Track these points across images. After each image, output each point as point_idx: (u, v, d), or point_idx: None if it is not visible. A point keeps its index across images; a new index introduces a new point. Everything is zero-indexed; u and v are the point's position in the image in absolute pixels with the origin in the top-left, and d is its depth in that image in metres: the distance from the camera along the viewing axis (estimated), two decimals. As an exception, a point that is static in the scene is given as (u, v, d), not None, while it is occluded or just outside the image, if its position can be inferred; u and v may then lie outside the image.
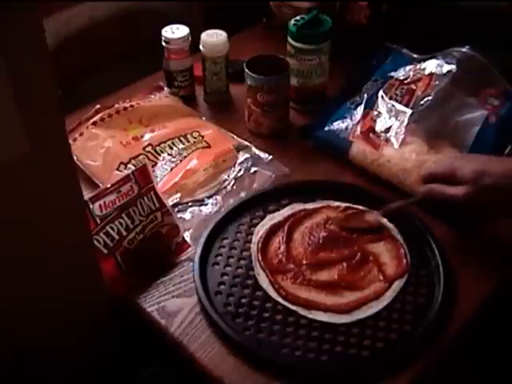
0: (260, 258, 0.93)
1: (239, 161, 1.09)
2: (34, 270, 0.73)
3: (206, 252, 0.94)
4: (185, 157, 1.08)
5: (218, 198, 1.04)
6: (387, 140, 1.06)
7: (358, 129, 1.09)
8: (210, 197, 1.04)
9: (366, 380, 0.81)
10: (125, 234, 0.91)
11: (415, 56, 1.17)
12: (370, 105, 1.12)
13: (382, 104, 1.10)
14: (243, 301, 0.88)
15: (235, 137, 1.15)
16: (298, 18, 1.17)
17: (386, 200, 1.01)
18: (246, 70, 1.12)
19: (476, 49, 1.09)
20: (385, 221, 0.98)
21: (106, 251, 0.89)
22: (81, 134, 1.10)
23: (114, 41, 1.34)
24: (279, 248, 0.94)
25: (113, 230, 0.90)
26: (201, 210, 1.02)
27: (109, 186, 0.91)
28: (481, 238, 0.97)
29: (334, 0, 1.28)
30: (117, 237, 0.90)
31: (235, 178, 1.07)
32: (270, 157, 1.10)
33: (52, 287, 0.77)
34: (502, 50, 1.09)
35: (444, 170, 0.94)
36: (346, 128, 1.10)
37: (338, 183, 1.05)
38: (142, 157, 1.07)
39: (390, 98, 1.10)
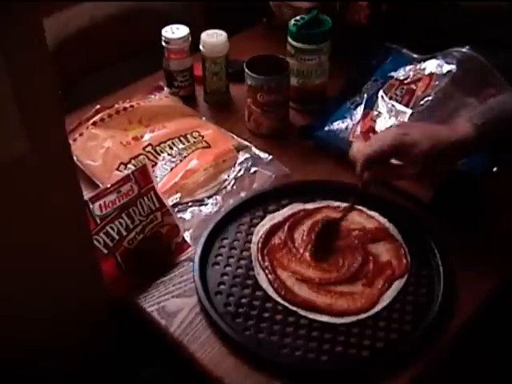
0: (260, 258, 0.93)
1: (239, 161, 1.09)
2: (33, 270, 0.73)
3: (206, 252, 0.94)
4: (185, 157, 1.08)
5: (218, 198, 1.04)
6: (387, 140, 1.05)
7: (358, 129, 1.09)
8: (210, 197, 1.04)
9: (366, 380, 0.81)
10: (125, 233, 0.91)
11: (415, 56, 1.17)
12: (370, 105, 1.12)
13: (382, 104, 1.10)
14: (243, 301, 0.88)
15: (235, 137, 1.15)
16: (298, 17, 1.17)
17: (386, 200, 1.01)
18: (246, 70, 1.12)
19: (476, 49, 1.09)
20: (385, 221, 0.98)
21: (106, 251, 0.89)
22: (81, 134, 1.10)
23: (115, 41, 1.34)
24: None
25: (113, 229, 0.90)
26: (201, 210, 1.02)
27: (109, 185, 0.91)
28: (481, 239, 0.97)
29: (334, 0, 1.28)
30: (117, 237, 0.90)
31: (235, 178, 1.07)
32: (270, 157, 1.10)
33: (52, 287, 0.77)
34: (502, 50, 1.09)
35: (392, 147, 0.89)
36: (346, 128, 1.10)
37: (338, 183, 1.05)
38: (142, 157, 1.07)
39: (390, 98, 1.10)
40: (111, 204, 0.90)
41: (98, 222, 0.89)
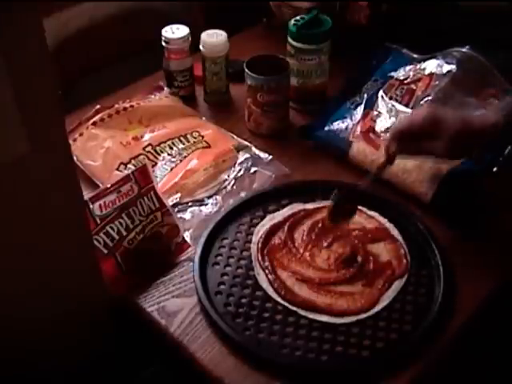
0: (260, 258, 0.93)
1: (239, 161, 1.09)
2: (33, 270, 0.73)
3: (206, 252, 0.94)
4: (185, 157, 1.08)
5: (218, 197, 1.04)
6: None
7: (358, 129, 1.09)
8: (210, 197, 1.04)
9: (366, 380, 0.81)
10: (125, 233, 0.91)
11: (415, 56, 1.17)
12: (370, 105, 1.11)
13: (382, 104, 1.10)
14: (243, 301, 0.88)
15: (235, 137, 1.15)
16: (298, 17, 1.17)
17: (386, 200, 1.01)
18: (246, 70, 1.12)
19: (476, 49, 1.09)
20: (385, 221, 0.98)
21: (106, 251, 0.89)
22: (81, 134, 1.10)
23: (115, 41, 1.34)
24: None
25: (113, 229, 0.90)
26: (201, 210, 1.02)
27: (109, 185, 0.91)
28: (481, 238, 0.97)
29: (334, 0, 1.28)
30: (117, 237, 0.90)
31: (235, 178, 1.07)
32: (270, 157, 1.10)
33: (52, 287, 0.77)
34: (502, 50, 1.09)
35: (425, 121, 0.89)
36: (346, 128, 1.10)
37: (338, 183, 1.05)
38: (142, 157, 1.07)
39: (390, 98, 1.10)
40: (111, 204, 0.90)
41: (98, 221, 0.89)
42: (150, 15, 1.38)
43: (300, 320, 0.85)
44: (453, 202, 0.97)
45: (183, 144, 1.11)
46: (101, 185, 1.00)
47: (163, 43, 1.19)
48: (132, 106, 1.15)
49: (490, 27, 1.17)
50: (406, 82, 1.11)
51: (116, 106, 1.14)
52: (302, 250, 0.94)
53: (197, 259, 0.92)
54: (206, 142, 1.12)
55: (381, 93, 1.12)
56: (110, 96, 1.23)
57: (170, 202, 1.00)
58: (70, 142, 1.04)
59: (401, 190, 1.03)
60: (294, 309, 0.86)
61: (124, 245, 0.91)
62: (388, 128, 1.06)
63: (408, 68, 1.14)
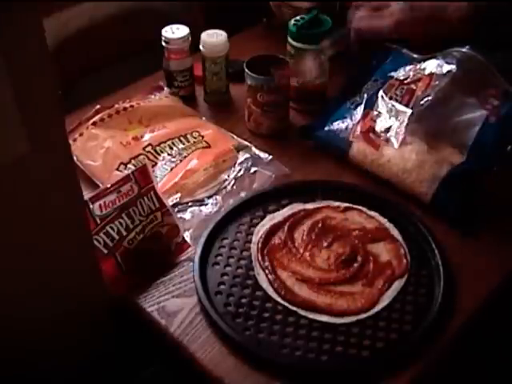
0: (260, 258, 0.93)
1: (239, 161, 1.09)
2: (33, 270, 0.73)
3: (206, 252, 0.94)
4: (185, 157, 1.08)
5: (218, 198, 1.04)
6: (387, 140, 1.06)
7: (358, 129, 1.09)
8: (210, 197, 1.04)
9: (366, 380, 0.81)
10: (125, 233, 0.91)
11: (415, 56, 1.17)
12: (370, 105, 1.11)
13: (382, 104, 1.10)
14: (243, 301, 0.88)
15: (235, 137, 1.15)
16: (298, 17, 1.17)
17: (386, 200, 1.01)
18: (246, 70, 1.12)
19: (476, 49, 1.09)
20: (385, 221, 0.98)
21: (106, 251, 0.89)
22: (81, 134, 1.10)
23: (115, 41, 1.34)
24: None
25: (113, 229, 0.90)
26: (201, 210, 1.02)
27: (109, 185, 0.91)
28: (481, 238, 0.97)
29: (334, 0, 1.28)
30: (117, 237, 0.90)
31: (235, 178, 1.07)
32: (270, 157, 1.10)
33: (52, 287, 0.77)
34: (502, 50, 1.08)
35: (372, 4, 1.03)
36: (346, 128, 1.10)
37: (338, 183, 1.05)
38: (142, 157, 1.07)
39: (390, 98, 1.10)
40: (111, 204, 0.90)
41: (98, 221, 0.89)
42: (150, 15, 1.38)
43: (300, 320, 0.85)
44: (453, 202, 0.97)
45: (183, 144, 1.11)
46: (101, 185, 1.00)
47: (163, 43, 1.19)
48: (132, 106, 1.15)
49: (490, 27, 1.16)
50: (406, 81, 1.11)
51: (116, 105, 1.14)
52: (302, 250, 0.94)
53: (197, 259, 0.92)
54: (206, 142, 1.12)
55: (381, 93, 1.12)
56: (110, 96, 1.23)
57: (170, 201, 1.00)
58: (70, 142, 1.04)
59: (401, 190, 1.03)
60: (294, 309, 0.86)
61: (124, 245, 0.91)
62: (388, 128, 1.06)
63: (408, 68, 1.13)
